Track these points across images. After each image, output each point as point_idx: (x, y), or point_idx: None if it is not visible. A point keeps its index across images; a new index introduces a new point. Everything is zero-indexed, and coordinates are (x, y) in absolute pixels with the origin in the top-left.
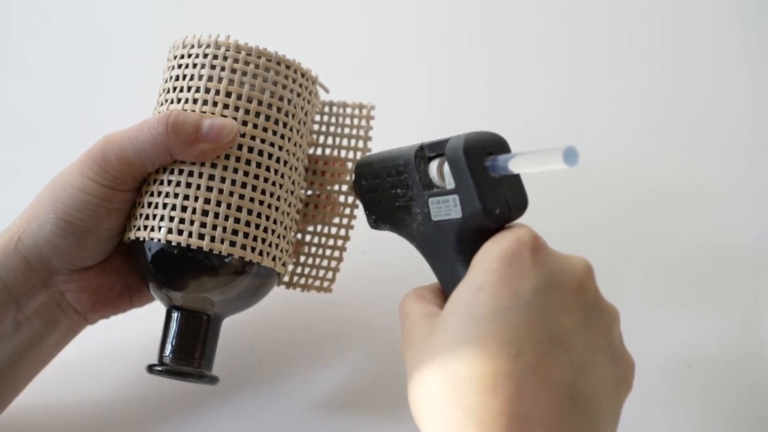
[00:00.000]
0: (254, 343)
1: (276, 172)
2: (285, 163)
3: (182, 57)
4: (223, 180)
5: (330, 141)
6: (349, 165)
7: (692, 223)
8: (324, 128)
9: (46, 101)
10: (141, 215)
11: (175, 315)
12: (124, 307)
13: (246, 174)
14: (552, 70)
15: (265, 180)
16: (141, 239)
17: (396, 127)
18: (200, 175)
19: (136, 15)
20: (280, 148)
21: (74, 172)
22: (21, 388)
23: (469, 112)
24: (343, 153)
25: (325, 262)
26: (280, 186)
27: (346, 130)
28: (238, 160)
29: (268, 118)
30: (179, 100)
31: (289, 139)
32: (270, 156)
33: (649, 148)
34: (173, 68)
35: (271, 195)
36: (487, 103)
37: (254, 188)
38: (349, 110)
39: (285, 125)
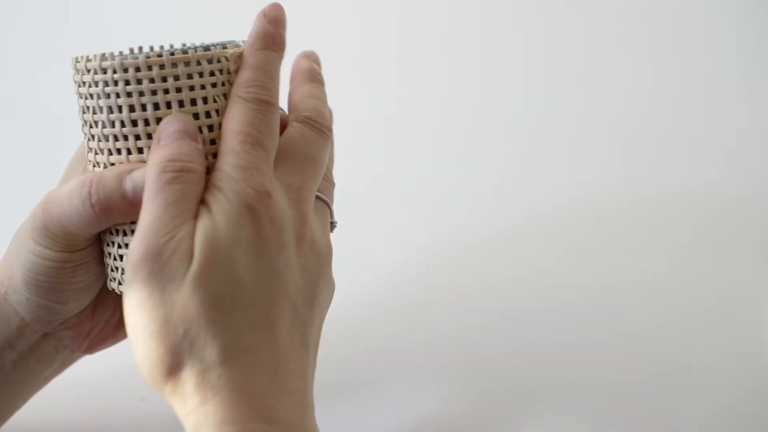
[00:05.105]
0: None
1: None
2: None
3: (80, 85)
4: None
5: None
6: None
7: (692, 223)
8: None
9: (47, 101)
10: (108, 266)
11: None
12: (123, 337)
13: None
14: (551, 70)
15: None
16: (119, 292)
17: (396, 127)
18: None
19: (137, 15)
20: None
21: (27, 237)
22: (14, 412)
23: (467, 112)
24: None
25: None
26: None
27: None
28: None
29: None
30: (93, 137)
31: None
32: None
33: (647, 149)
34: (78, 96)
35: None
36: (486, 104)
37: None
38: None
39: (211, 129)
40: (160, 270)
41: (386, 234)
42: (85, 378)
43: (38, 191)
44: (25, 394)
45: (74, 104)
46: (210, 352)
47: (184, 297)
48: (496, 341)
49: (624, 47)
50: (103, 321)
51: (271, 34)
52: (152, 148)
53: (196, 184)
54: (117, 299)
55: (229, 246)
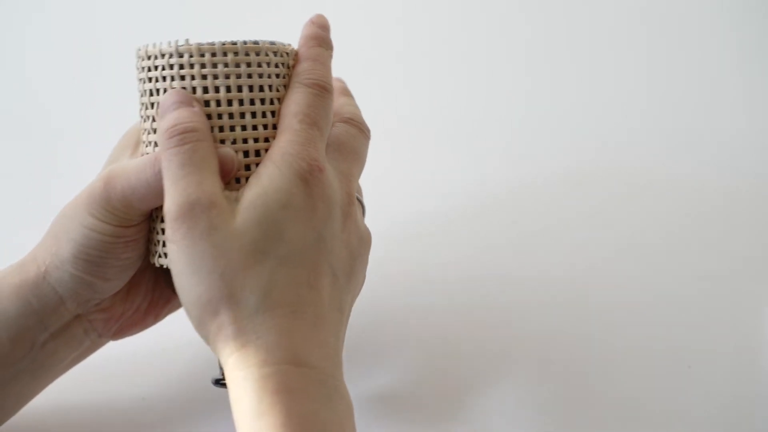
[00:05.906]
0: None
1: None
2: None
3: (149, 69)
4: None
5: None
6: None
7: (692, 223)
8: None
9: (45, 100)
10: (159, 242)
11: None
12: (149, 324)
13: None
14: (550, 70)
15: None
16: (165, 266)
17: (397, 126)
18: None
19: (136, 14)
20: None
21: (82, 211)
22: (32, 397)
23: (467, 112)
24: None
25: None
26: None
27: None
28: (247, 168)
29: (254, 114)
30: None
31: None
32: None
33: (647, 148)
34: (144, 81)
35: None
36: (485, 103)
37: None
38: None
39: (273, 114)
40: (195, 223)
41: (386, 234)
42: (86, 377)
43: (37, 190)
44: (45, 379)
45: (73, 104)
46: (252, 298)
47: (228, 247)
48: (494, 341)
49: (624, 47)
50: (134, 306)
51: (321, 35)
52: (157, 123)
53: (202, 140)
54: (149, 285)
55: (276, 209)
